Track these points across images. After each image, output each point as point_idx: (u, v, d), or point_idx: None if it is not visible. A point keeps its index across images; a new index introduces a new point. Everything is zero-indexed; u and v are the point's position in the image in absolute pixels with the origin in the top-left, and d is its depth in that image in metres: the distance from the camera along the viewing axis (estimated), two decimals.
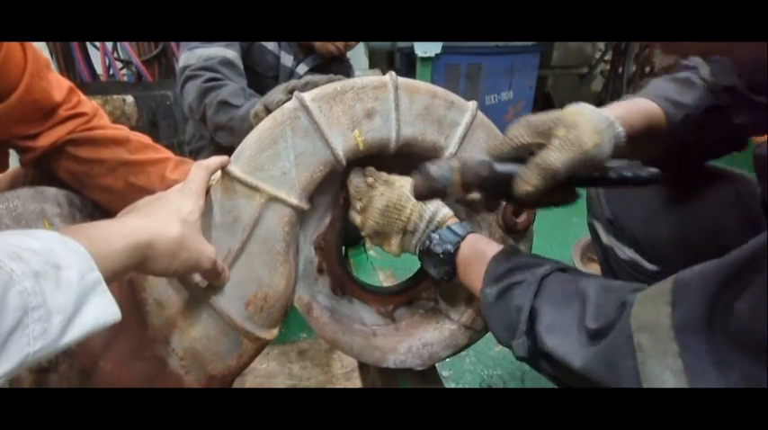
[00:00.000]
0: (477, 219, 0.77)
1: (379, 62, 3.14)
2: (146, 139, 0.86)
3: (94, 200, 0.83)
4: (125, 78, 2.32)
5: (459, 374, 1.20)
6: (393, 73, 0.67)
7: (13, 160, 0.80)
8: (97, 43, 2.22)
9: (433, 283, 0.79)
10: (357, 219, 0.71)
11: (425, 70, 2.57)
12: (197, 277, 0.61)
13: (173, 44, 2.22)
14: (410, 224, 0.68)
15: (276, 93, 0.75)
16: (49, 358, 0.36)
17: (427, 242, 0.67)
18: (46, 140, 0.74)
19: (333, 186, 0.72)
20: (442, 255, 0.65)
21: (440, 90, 0.69)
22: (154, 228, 0.49)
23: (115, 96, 1.85)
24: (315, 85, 0.68)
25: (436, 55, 2.53)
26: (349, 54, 1.51)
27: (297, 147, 0.63)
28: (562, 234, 1.86)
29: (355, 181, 0.70)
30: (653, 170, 0.56)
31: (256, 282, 0.64)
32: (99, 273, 0.39)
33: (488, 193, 0.57)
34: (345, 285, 0.77)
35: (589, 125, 0.51)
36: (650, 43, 3.13)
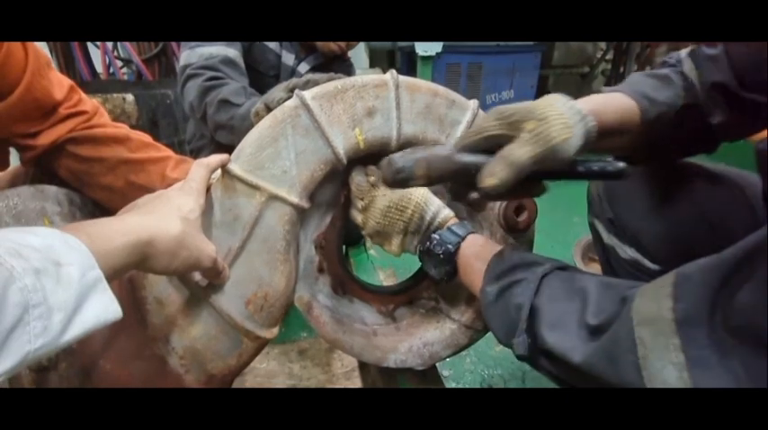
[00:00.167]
0: (478, 218, 0.77)
1: (380, 61, 3.14)
2: (146, 138, 0.86)
3: (95, 198, 0.83)
4: (125, 77, 2.32)
5: (459, 374, 1.20)
6: (394, 71, 0.67)
7: (14, 158, 0.80)
8: (97, 42, 2.22)
9: (434, 283, 0.79)
10: (358, 218, 0.71)
11: (426, 69, 2.57)
12: (197, 276, 0.61)
13: (173, 43, 2.22)
14: (411, 224, 0.68)
15: (277, 91, 0.75)
16: (49, 356, 0.36)
17: (428, 242, 0.67)
18: (46, 139, 0.74)
19: (334, 185, 0.72)
20: (442, 256, 0.65)
21: (441, 88, 0.69)
22: (154, 226, 0.49)
23: (115, 95, 1.85)
24: (315, 83, 0.68)
25: (437, 54, 2.53)
26: (350, 53, 1.51)
27: (297, 146, 0.63)
28: (563, 233, 1.85)
29: (357, 179, 0.69)
30: (621, 165, 0.56)
31: (256, 281, 0.64)
32: (100, 271, 0.39)
33: (455, 184, 0.58)
34: (346, 284, 0.77)
35: (560, 119, 0.51)
36: (652, 43, 3.14)
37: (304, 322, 0.73)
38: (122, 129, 0.83)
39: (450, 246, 0.65)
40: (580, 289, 0.51)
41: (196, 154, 1.36)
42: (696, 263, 0.41)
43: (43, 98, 0.71)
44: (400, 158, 0.54)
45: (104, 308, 0.39)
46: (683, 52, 0.68)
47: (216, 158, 0.62)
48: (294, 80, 0.74)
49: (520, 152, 0.50)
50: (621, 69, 3.38)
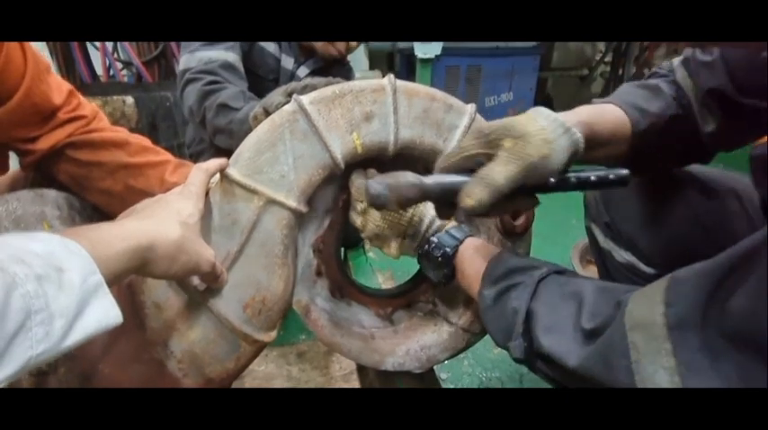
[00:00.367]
0: (476, 222, 0.77)
1: (380, 63, 3.15)
2: (145, 142, 0.86)
3: (94, 202, 0.83)
4: (125, 79, 2.32)
5: (457, 377, 1.20)
6: (392, 76, 0.67)
7: (14, 163, 0.80)
8: (97, 44, 2.23)
9: (432, 286, 0.80)
10: (357, 220, 0.71)
11: (425, 72, 2.57)
12: (195, 280, 0.61)
13: (173, 45, 2.23)
14: (410, 228, 0.68)
15: (275, 95, 0.75)
16: (49, 361, 0.37)
17: (426, 245, 0.68)
18: (45, 143, 0.74)
19: (332, 189, 0.73)
20: (440, 259, 0.65)
21: (438, 93, 0.70)
22: (154, 231, 0.49)
23: (115, 97, 1.85)
24: (313, 88, 0.69)
25: (436, 56, 2.53)
26: (349, 56, 1.52)
27: (295, 150, 0.63)
28: (561, 236, 1.86)
29: (357, 183, 0.70)
30: (623, 172, 0.56)
31: (254, 285, 0.64)
32: (101, 276, 0.40)
33: (437, 204, 0.59)
34: (344, 288, 0.78)
35: (539, 135, 0.51)
36: (650, 45, 3.15)
37: (303, 325, 0.73)
38: (121, 133, 0.84)
39: (448, 250, 0.65)
40: (576, 292, 0.51)
41: (196, 158, 1.37)
42: (689, 268, 0.41)
43: (42, 103, 0.72)
44: (376, 185, 0.56)
45: (105, 313, 0.40)
46: (676, 61, 0.68)
47: (214, 163, 0.62)
48: (292, 84, 0.74)
49: (498, 172, 0.50)
50: (620, 72, 3.39)
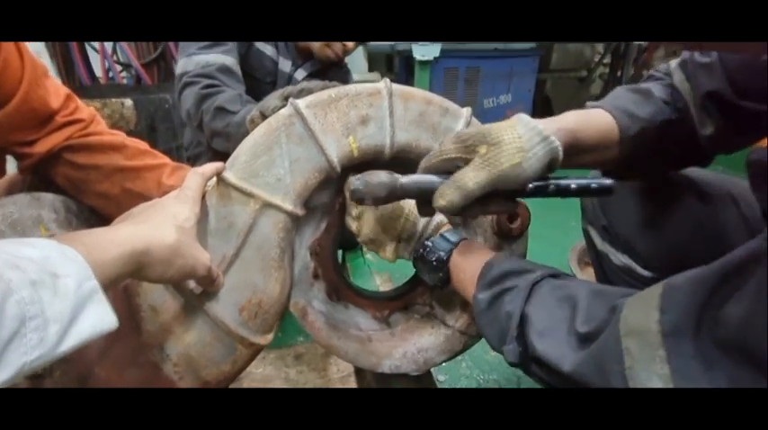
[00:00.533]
0: (472, 224, 0.77)
1: (378, 66, 3.15)
2: (143, 145, 0.86)
3: (91, 205, 0.83)
4: (124, 81, 2.33)
5: (454, 379, 1.20)
6: (387, 80, 0.67)
7: (11, 166, 0.81)
8: (97, 46, 2.23)
9: (429, 289, 0.80)
10: (353, 225, 0.71)
11: (424, 74, 2.58)
12: (191, 283, 0.61)
13: (172, 47, 2.23)
14: (404, 232, 0.68)
15: (272, 99, 0.76)
16: (45, 366, 0.37)
17: (421, 250, 0.68)
18: (43, 147, 0.75)
19: (329, 192, 0.73)
20: (435, 263, 0.66)
21: (435, 97, 0.70)
22: (150, 235, 0.49)
23: (114, 100, 1.86)
24: (310, 91, 0.69)
25: (435, 58, 2.53)
26: (348, 58, 1.52)
27: (292, 154, 0.64)
28: (559, 238, 1.86)
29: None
30: (607, 182, 0.58)
31: (251, 288, 0.64)
32: (96, 282, 0.40)
33: (417, 202, 0.62)
34: (340, 291, 0.78)
35: (513, 143, 0.52)
36: (649, 47, 3.15)
37: (300, 327, 0.73)
38: (119, 136, 0.84)
39: (442, 254, 0.65)
40: (570, 296, 0.51)
41: (193, 161, 1.37)
42: (684, 274, 0.41)
43: (40, 107, 0.72)
44: (355, 181, 0.59)
45: (100, 318, 0.40)
46: (673, 63, 0.68)
47: (211, 167, 0.62)
48: (289, 88, 0.75)
49: (469, 177, 0.53)
50: (619, 73, 3.39)
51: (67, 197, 0.80)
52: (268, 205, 0.63)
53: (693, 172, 0.76)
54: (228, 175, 0.62)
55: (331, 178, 0.67)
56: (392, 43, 2.62)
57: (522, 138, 0.52)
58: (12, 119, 0.68)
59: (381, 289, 1.48)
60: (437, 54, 2.51)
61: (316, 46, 1.34)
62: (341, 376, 1.15)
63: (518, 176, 0.53)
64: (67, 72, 2.14)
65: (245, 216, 0.63)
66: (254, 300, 0.64)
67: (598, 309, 0.47)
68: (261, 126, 0.65)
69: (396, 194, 0.59)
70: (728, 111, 0.61)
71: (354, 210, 0.70)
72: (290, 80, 1.36)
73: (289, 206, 0.64)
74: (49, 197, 0.75)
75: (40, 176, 0.80)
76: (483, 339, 0.72)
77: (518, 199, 0.59)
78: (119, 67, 2.31)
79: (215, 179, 0.64)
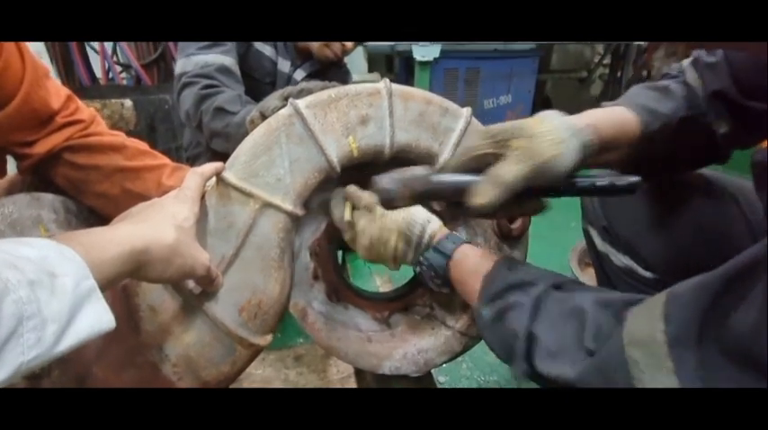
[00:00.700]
0: (472, 224, 0.77)
1: (378, 66, 3.15)
2: (142, 146, 0.86)
3: (91, 206, 0.83)
4: (124, 82, 2.33)
5: (455, 380, 1.20)
6: (387, 80, 0.67)
7: (11, 166, 0.80)
8: (96, 47, 2.23)
9: (429, 290, 0.79)
10: (350, 244, 0.69)
11: (424, 74, 2.58)
12: (191, 283, 0.61)
13: (172, 47, 2.23)
14: (398, 252, 0.66)
15: (272, 99, 0.75)
16: (42, 366, 0.37)
17: (417, 268, 0.66)
18: (43, 147, 0.75)
19: (329, 192, 0.73)
20: (434, 278, 0.64)
21: (434, 97, 0.70)
22: (149, 235, 0.49)
23: (113, 100, 1.86)
24: (309, 91, 0.69)
25: (435, 59, 2.54)
26: (348, 58, 1.52)
27: (291, 154, 0.63)
28: (560, 238, 1.86)
29: (336, 215, 0.68)
30: (632, 179, 0.56)
31: (250, 289, 0.64)
32: (94, 281, 0.40)
33: (447, 204, 0.59)
34: (341, 291, 0.78)
35: (549, 136, 0.51)
36: (648, 47, 3.14)
37: (300, 328, 0.73)
38: (119, 137, 0.84)
39: (439, 269, 0.63)
40: (576, 310, 0.49)
41: (193, 161, 1.37)
42: (687, 282, 0.40)
43: (40, 108, 0.72)
44: (387, 182, 0.56)
45: (98, 318, 0.39)
46: (686, 62, 0.67)
47: (210, 167, 0.62)
48: (289, 88, 0.75)
49: (506, 171, 0.51)
50: (619, 74, 3.40)
51: (67, 197, 0.79)
52: (268, 205, 0.63)
53: (696, 172, 0.76)
54: (228, 175, 0.62)
55: (331, 178, 0.67)
56: (392, 44, 2.62)
57: (557, 131, 0.51)
58: (12, 119, 0.68)
59: (381, 290, 1.48)
60: (437, 55, 2.51)
61: (315, 46, 1.34)
62: (341, 377, 1.15)
63: (556, 168, 0.51)
64: (67, 73, 2.14)
65: (244, 216, 0.62)
66: (253, 301, 0.64)
67: (605, 322, 0.46)
68: (261, 126, 0.65)
69: (429, 192, 0.55)
70: (735, 110, 0.61)
71: (346, 235, 0.67)
72: (289, 80, 1.36)
73: (288, 206, 0.64)
74: (48, 197, 0.75)
75: (39, 177, 0.80)
76: (483, 340, 0.72)
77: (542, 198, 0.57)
78: (119, 68, 2.31)
79: (214, 179, 0.64)
